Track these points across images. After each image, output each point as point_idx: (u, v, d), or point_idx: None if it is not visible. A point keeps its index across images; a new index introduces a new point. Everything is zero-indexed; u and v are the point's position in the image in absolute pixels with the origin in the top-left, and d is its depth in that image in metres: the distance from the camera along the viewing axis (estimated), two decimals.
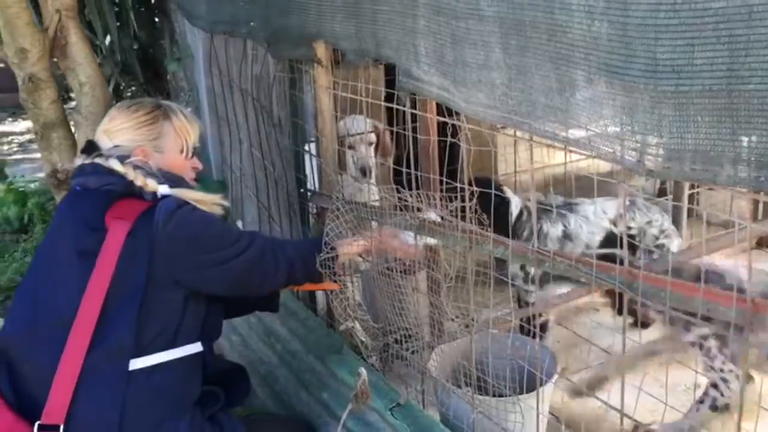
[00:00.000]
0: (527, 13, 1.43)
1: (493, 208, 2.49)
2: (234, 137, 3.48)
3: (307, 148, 2.71)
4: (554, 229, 2.96)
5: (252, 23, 2.81)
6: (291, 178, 2.74)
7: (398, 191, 2.08)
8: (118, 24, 5.05)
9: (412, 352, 2.28)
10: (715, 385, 2.45)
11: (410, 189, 2.09)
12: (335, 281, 2.13)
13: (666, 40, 1.17)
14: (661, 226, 2.98)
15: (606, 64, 1.29)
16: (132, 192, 1.83)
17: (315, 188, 2.73)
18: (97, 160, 1.88)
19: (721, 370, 2.41)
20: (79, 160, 1.93)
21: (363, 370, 1.99)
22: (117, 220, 1.78)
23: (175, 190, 1.88)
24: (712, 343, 2.41)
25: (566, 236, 2.99)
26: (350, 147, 2.83)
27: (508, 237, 2.43)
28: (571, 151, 1.47)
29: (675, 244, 2.81)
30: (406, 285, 2.17)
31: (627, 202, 2.98)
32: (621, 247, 2.67)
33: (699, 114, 1.17)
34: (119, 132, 1.93)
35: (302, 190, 2.73)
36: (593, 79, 1.34)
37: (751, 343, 1.37)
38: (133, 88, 5.75)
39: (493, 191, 2.42)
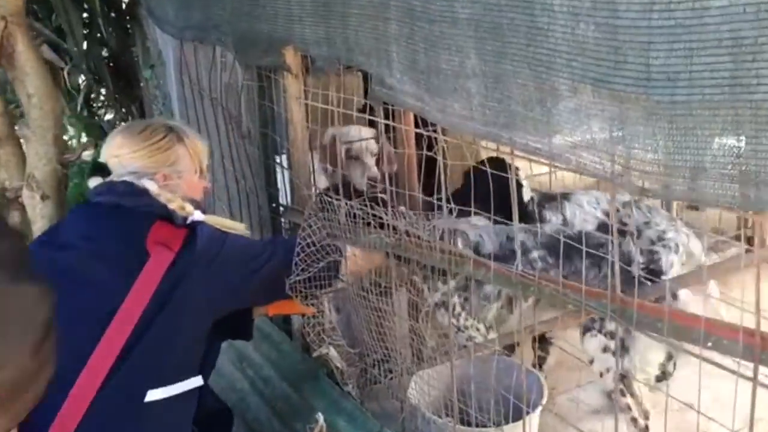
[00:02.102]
0: (505, 15, 1.29)
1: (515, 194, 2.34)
2: (230, 127, 3.32)
3: (278, 160, 2.56)
4: (555, 218, 2.89)
5: (220, 29, 2.66)
6: (262, 192, 2.60)
7: (373, 207, 1.94)
8: (88, 31, 4.87)
9: (391, 378, 2.13)
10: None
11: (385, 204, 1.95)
12: (310, 304, 2.00)
13: (660, 44, 1.03)
14: (662, 233, 2.83)
15: (592, 71, 1.16)
16: (162, 215, 1.78)
17: (288, 203, 2.58)
18: (128, 178, 1.81)
19: (466, 328, 2.35)
20: (94, 182, 1.86)
21: (320, 417, 1.86)
22: (160, 246, 1.74)
23: (208, 216, 1.88)
24: (456, 300, 2.34)
25: (565, 224, 2.93)
26: (356, 158, 2.69)
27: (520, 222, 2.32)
28: (554, 167, 1.33)
29: (669, 260, 2.67)
30: (384, 307, 2.03)
31: (630, 200, 2.85)
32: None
33: (698, 127, 1.04)
34: (133, 158, 1.86)
35: (274, 205, 2.58)
36: (578, 88, 1.20)
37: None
38: (103, 97, 5.59)
39: (513, 177, 2.29)
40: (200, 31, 2.90)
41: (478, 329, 2.40)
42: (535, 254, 2.33)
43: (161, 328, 1.69)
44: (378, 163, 2.79)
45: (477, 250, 2.35)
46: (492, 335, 2.39)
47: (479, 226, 2.46)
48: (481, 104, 1.43)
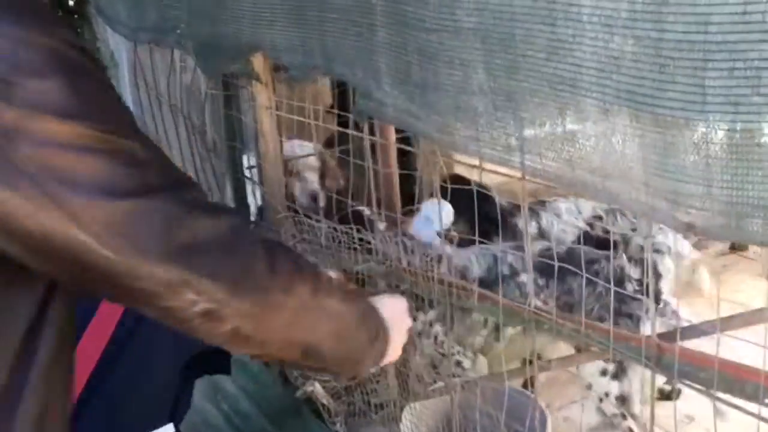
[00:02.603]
0: (518, 25, 1.12)
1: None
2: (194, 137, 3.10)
3: (248, 174, 2.37)
4: (529, 228, 2.72)
5: (178, 31, 2.44)
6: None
7: (360, 230, 1.77)
8: None
9: (381, 411, 1.97)
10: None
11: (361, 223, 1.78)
12: None
13: (720, 62, 0.87)
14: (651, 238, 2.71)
15: (629, 91, 1.00)
16: None
17: (258, 221, 2.38)
18: None
19: (452, 354, 2.20)
20: None
21: None
22: None
23: None
24: (438, 329, 2.20)
25: (541, 234, 2.75)
26: (296, 174, 2.51)
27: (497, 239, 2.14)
28: (580, 196, 1.17)
29: (665, 264, 2.55)
30: None
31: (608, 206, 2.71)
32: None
33: (765, 159, 0.89)
34: None
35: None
36: (610, 110, 1.04)
37: None
38: None
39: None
40: (156, 33, 2.67)
41: (465, 355, 2.25)
42: (523, 277, 2.18)
43: (123, 373, 1.50)
44: (322, 178, 2.66)
45: (464, 275, 2.19)
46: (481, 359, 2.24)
47: (462, 250, 2.29)
48: (489, 124, 1.26)
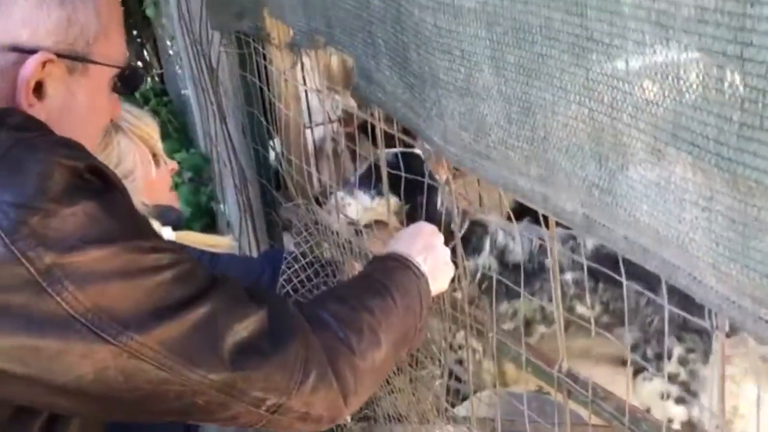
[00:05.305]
0: (534, 11, 0.75)
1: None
2: (209, 102, 2.85)
3: (272, 144, 2.08)
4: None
5: None
6: (253, 182, 2.13)
7: None
8: None
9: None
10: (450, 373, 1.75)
11: None
12: None
13: None
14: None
15: (694, 132, 0.63)
16: None
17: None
18: None
19: (460, 347, 1.70)
20: None
21: None
22: None
23: (181, 234, 1.53)
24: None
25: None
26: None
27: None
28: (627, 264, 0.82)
29: None
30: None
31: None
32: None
33: None
34: None
35: (269, 199, 2.11)
36: (662, 152, 0.67)
37: None
38: None
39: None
40: None
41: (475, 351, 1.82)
42: (568, 276, 1.80)
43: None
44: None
45: (501, 257, 1.84)
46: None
47: (502, 223, 1.90)
48: (502, 141, 0.90)
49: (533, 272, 1.78)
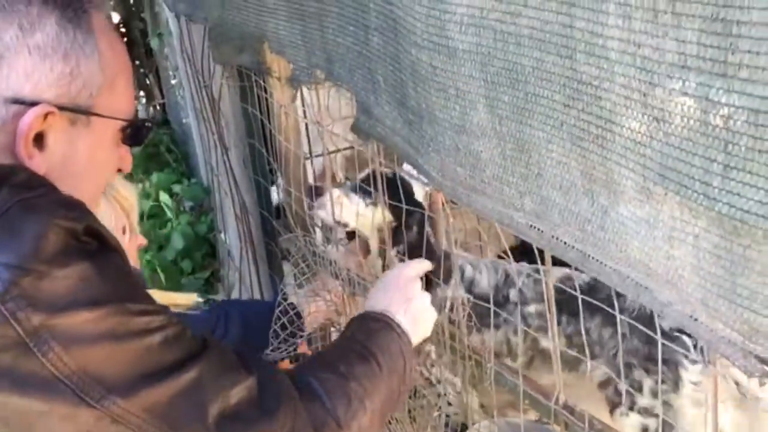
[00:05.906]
0: (526, 53, 0.77)
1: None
2: (210, 134, 2.88)
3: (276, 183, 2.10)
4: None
5: (203, 5, 2.17)
6: (253, 212, 2.15)
7: None
8: None
9: None
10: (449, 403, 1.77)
11: None
12: None
13: None
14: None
15: (678, 170, 0.65)
16: None
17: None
18: None
19: (438, 382, 1.71)
20: None
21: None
22: None
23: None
24: (432, 348, 1.68)
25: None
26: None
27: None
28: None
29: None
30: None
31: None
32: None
33: None
34: None
35: (269, 229, 2.13)
36: (651, 190, 0.69)
37: None
38: None
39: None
40: (189, 5, 2.41)
41: (453, 384, 1.83)
42: (532, 308, 1.80)
43: None
44: None
45: (470, 288, 1.83)
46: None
47: (472, 257, 1.92)
48: (496, 176, 0.92)
49: (500, 305, 1.78)
